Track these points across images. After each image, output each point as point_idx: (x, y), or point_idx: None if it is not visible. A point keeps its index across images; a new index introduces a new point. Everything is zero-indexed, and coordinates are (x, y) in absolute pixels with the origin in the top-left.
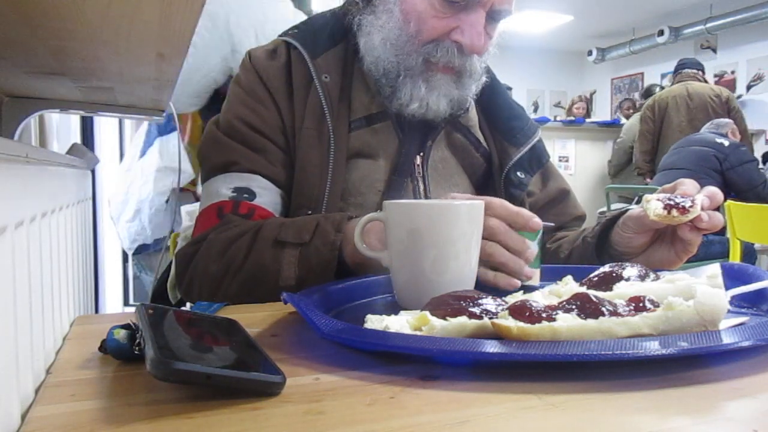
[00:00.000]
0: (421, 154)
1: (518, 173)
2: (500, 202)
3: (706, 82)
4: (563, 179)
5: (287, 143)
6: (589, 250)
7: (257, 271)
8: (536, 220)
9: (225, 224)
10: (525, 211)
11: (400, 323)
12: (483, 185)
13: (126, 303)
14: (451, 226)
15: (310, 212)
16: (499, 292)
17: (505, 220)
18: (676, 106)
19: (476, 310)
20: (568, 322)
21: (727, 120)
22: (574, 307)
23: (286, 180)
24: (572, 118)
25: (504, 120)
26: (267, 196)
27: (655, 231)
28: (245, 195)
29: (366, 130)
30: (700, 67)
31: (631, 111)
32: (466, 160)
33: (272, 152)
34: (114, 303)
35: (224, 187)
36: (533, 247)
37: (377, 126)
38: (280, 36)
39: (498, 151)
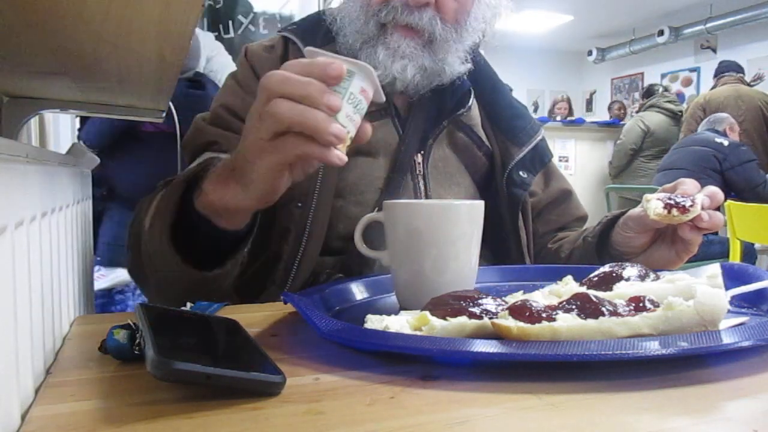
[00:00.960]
0: (422, 152)
1: (520, 173)
2: (294, 61)
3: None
4: (565, 179)
5: None
6: (589, 250)
7: (136, 221)
8: (335, 65)
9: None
10: (319, 60)
11: (400, 323)
12: (485, 184)
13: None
14: (451, 226)
15: (300, 205)
16: (499, 292)
17: (297, 74)
18: (728, 108)
19: (476, 310)
20: (568, 322)
21: (725, 115)
22: (574, 307)
23: None
24: (558, 118)
25: (506, 119)
26: None
27: (655, 231)
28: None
29: None
30: (742, 71)
31: (622, 112)
32: (468, 159)
33: None
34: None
35: (196, 164)
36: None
37: (376, 123)
38: (278, 32)
39: (500, 150)
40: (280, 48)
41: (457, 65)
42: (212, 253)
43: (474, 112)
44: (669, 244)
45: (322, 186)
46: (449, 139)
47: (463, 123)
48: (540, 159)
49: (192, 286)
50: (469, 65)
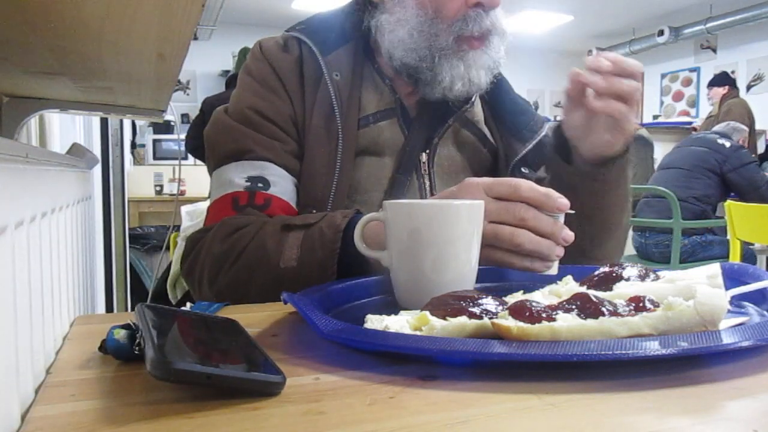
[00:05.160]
0: (427, 151)
1: (522, 169)
2: (529, 185)
3: None
4: None
5: (299, 135)
6: (549, 153)
7: (260, 252)
8: (564, 201)
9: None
10: (553, 192)
11: (400, 323)
12: None
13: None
14: (451, 226)
15: (314, 211)
16: (499, 292)
17: (533, 203)
18: None
19: (476, 310)
20: (568, 322)
21: (744, 128)
22: (574, 307)
23: (298, 170)
24: None
25: (509, 115)
26: (282, 185)
27: (588, 110)
28: (259, 185)
29: (373, 128)
30: None
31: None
32: (473, 156)
33: (285, 141)
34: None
35: (237, 176)
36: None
37: (383, 123)
38: (287, 31)
39: (504, 147)
40: (296, 49)
41: (502, 51)
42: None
43: (478, 108)
44: (604, 127)
45: (337, 189)
46: (455, 137)
47: (467, 120)
48: (543, 156)
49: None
50: (506, 44)
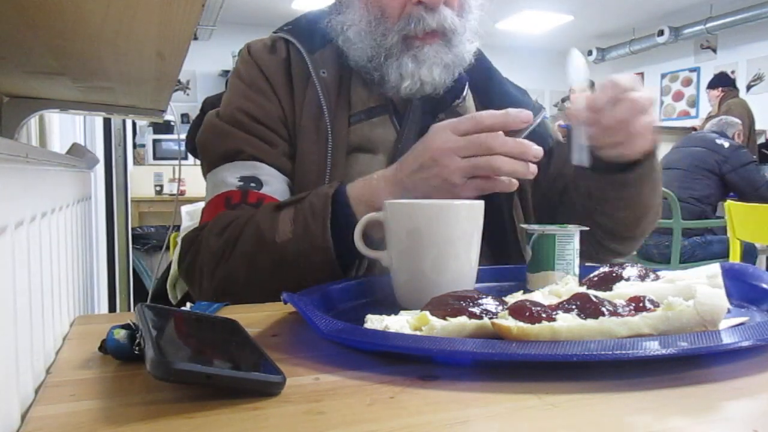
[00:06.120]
0: None
1: None
2: (489, 114)
3: None
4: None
5: (289, 135)
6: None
7: (255, 235)
8: (525, 114)
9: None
10: (512, 111)
11: (400, 323)
12: None
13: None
14: (451, 226)
15: None
16: (499, 292)
17: (498, 129)
18: None
19: (476, 310)
20: (568, 322)
21: (737, 121)
22: (574, 307)
23: (290, 170)
24: None
25: (497, 105)
26: (274, 184)
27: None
28: (252, 184)
29: (365, 124)
30: None
31: None
32: None
33: (276, 142)
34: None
35: (230, 176)
36: (576, 244)
37: (375, 120)
38: (274, 32)
39: None
40: (283, 50)
41: (468, 47)
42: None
43: (469, 102)
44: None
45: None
46: None
47: (459, 114)
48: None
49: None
50: (477, 43)
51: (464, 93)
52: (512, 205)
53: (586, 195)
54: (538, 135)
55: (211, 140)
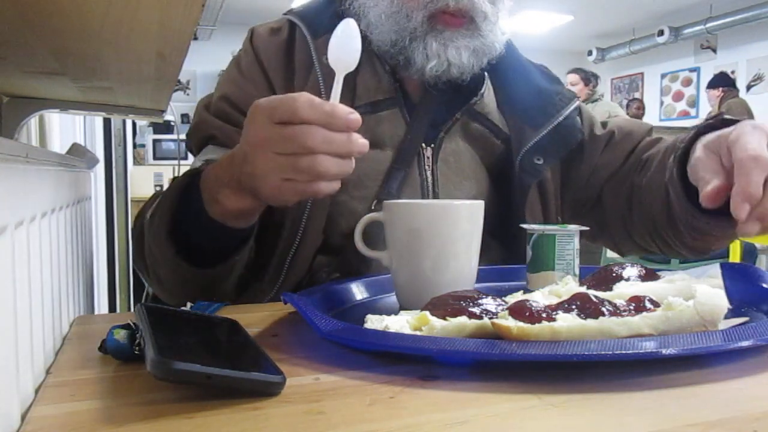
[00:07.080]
0: (432, 145)
1: (536, 159)
2: (308, 101)
3: None
4: (599, 123)
5: None
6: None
7: (141, 219)
8: (354, 116)
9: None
10: (339, 108)
11: (400, 323)
12: (500, 173)
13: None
14: (451, 226)
15: (307, 207)
16: (499, 292)
17: (319, 124)
18: None
19: (476, 310)
20: (568, 322)
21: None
22: (574, 307)
23: None
24: None
25: (521, 99)
26: None
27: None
28: None
29: (371, 117)
30: None
31: (641, 111)
32: (485, 149)
33: None
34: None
35: (198, 160)
36: (576, 244)
37: (383, 113)
38: (284, 14)
39: (516, 134)
40: (286, 32)
41: (500, 36)
42: (212, 253)
43: (488, 98)
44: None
45: None
46: (463, 131)
47: (476, 112)
48: (563, 141)
49: (187, 282)
50: (508, 35)
51: (482, 91)
52: (525, 203)
53: (676, 221)
54: (567, 127)
55: (193, 132)
